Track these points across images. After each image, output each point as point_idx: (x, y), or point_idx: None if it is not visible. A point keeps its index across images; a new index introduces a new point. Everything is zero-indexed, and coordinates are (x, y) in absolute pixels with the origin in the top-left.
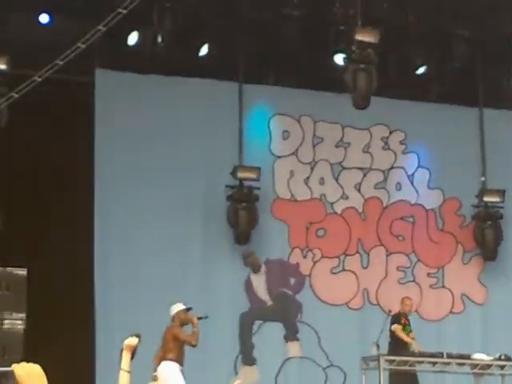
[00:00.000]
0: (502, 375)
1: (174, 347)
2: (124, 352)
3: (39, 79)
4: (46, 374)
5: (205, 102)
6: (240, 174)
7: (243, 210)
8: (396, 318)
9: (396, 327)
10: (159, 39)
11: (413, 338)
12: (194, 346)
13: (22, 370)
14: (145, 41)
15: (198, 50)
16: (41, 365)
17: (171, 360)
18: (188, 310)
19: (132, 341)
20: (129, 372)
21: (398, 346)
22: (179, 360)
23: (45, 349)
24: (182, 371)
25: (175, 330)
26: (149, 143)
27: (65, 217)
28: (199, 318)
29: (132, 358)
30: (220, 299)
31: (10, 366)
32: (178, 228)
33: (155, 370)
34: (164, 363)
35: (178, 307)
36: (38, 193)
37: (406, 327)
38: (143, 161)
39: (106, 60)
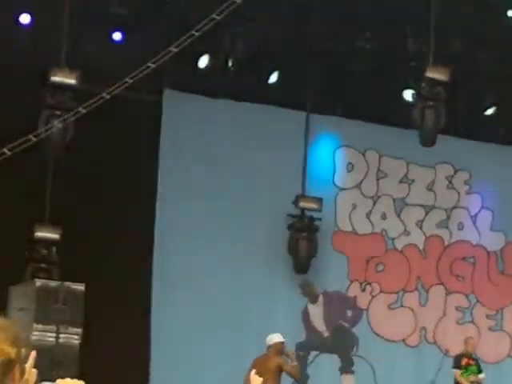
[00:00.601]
0: None
1: (275, 377)
2: None
3: (107, 96)
4: None
5: (271, 129)
6: (302, 204)
7: (303, 240)
8: (457, 360)
9: (455, 372)
10: (229, 63)
11: (472, 382)
12: (297, 379)
13: None
14: (215, 64)
15: (268, 77)
16: (94, 381)
17: None
18: (283, 342)
19: None
20: None
21: None
22: None
23: (99, 364)
24: None
25: (279, 360)
26: (213, 166)
27: (126, 232)
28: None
29: None
30: (276, 327)
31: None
32: (239, 252)
33: None
34: None
35: (277, 338)
36: (100, 207)
37: (469, 368)
38: (207, 184)
39: (175, 81)
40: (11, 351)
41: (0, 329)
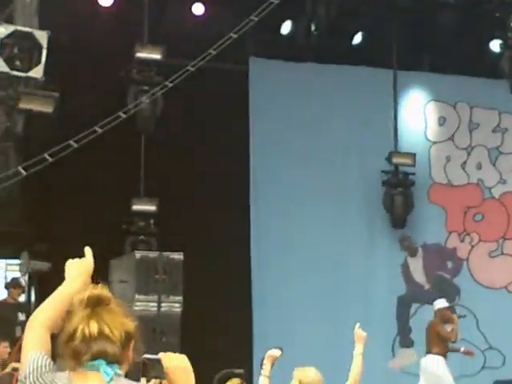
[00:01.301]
0: None
1: (438, 342)
2: (266, 361)
3: (192, 69)
4: (202, 356)
5: (359, 89)
6: (395, 160)
7: (399, 195)
8: None
9: None
10: (312, 28)
11: None
12: (453, 341)
13: (170, 361)
14: (298, 30)
15: (352, 39)
16: (198, 348)
17: (436, 354)
18: (449, 307)
19: (275, 352)
20: (268, 377)
21: None
22: (443, 353)
23: (201, 331)
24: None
25: (438, 327)
26: (303, 130)
27: (221, 200)
28: (459, 317)
29: (272, 366)
30: (377, 282)
31: (169, 348)
32: (334, 212)
33: None
34: (429, 357)
35: (442, 304)
36: (195, 178)
37: None
38: (297, 147)
39: (259, 49)
40: (131, 325)
41: (117, 304)
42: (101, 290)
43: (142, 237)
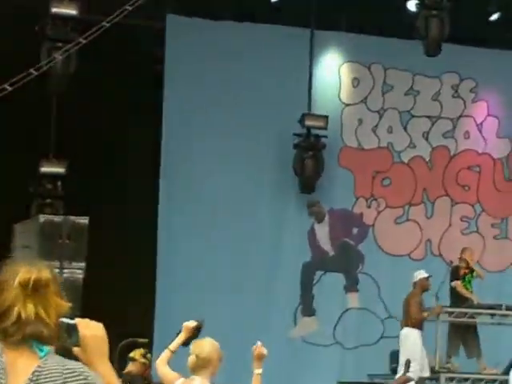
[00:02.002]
0: None
1: (416, 312)
2: (181, 334)
3: (107, 25)
4: (104, 324)
5: (275, 49)
6: (308, 122)
7: (309, 159)
8: (455, 272)
9: (456, 283)
10: None
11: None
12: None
13: (87, 328)
14: None
15: None
16: (99, 315)
17: (413, 327)
18: (428, 277)
19: (190, 323)
20: (172, 351)
21: (458, 299)
22: (419, 325)
23: (104, 298)
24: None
25: (416, 298)
26: (218, 89)
27: (129, 166)
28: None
29: (186, 342)
30: (283, 248)
31: (68, 314)
32: (245, 176)
33: None
34: (406, 329)
35: (421, 274)
36: (102, 139)
37: (467, 277)
38: (211, 107)
39: (176, 6)
40: (66, 306)
41: (54, 283)
42: (42, 273)
43: (48, 200)
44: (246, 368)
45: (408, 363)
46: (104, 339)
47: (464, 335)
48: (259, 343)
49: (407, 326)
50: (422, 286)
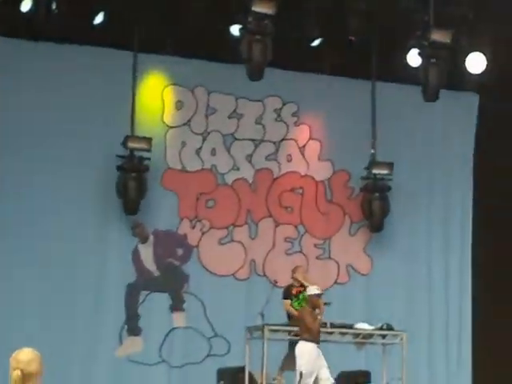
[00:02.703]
0: (384, 344)
1: (309, 328)
2: None
3: None
4: None
5: (98, 71)
6: (131, 144)
7: (133, 181)
8: (286, 291)
9: (284, 302)
10: (53, 6)
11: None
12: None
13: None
14: (38, 8)
15: (93, 18)
16: None
17: (307, 340)
18: (320, 295)
19: None
20: None
21: (290, 316)
22: (315, 339)
23: None
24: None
25: (306, 315)
26: (37, 112)
27: None
28: (325, 304)
29: None
30: (108, 269)
31: None
32: (70, 195)
33: None
34: (301, 343)
35: (313, 291)
36: None
37: (301, 295)
38: (36, 126)
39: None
40: None
41: None
42: None
43: None
44: None
45: (301, 375)
46: None
47: None
48: None
49: (301, 339)
50: (313, 303)
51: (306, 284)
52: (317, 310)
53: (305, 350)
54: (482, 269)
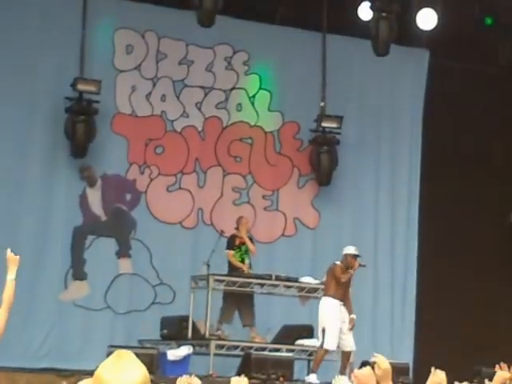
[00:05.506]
0: None
1: (335, 284)
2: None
3: None
4: None
5: (49, 13)
6: (80, 87)
7: (81, 123)
8: (230, 241)
9: (227, 253)
10: None
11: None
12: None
13: None
14: None
15: None
16: None
17: (331, 296)
18: (357, 256)
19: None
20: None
21: (232, 267)
22: (339, 297)
23: None
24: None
25: (338, 273)
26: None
27: None
28: (360, 265)
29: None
30: (54, 212)
31: None
32: (15, 140)
33: None
34: (324, 298)
35: (350, 250)
36: None
37: (243, 247)
38: None
39: None
40: None
41: None
42: None
43: None
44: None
45: (323, 331)
46: None
47: (239, 304)
48: (9, 250)
49: (325, 295)
50: (347, 263)
51: (244, 238)
52: (350, 271)
53: (329, 307)
54: (430, 221)
